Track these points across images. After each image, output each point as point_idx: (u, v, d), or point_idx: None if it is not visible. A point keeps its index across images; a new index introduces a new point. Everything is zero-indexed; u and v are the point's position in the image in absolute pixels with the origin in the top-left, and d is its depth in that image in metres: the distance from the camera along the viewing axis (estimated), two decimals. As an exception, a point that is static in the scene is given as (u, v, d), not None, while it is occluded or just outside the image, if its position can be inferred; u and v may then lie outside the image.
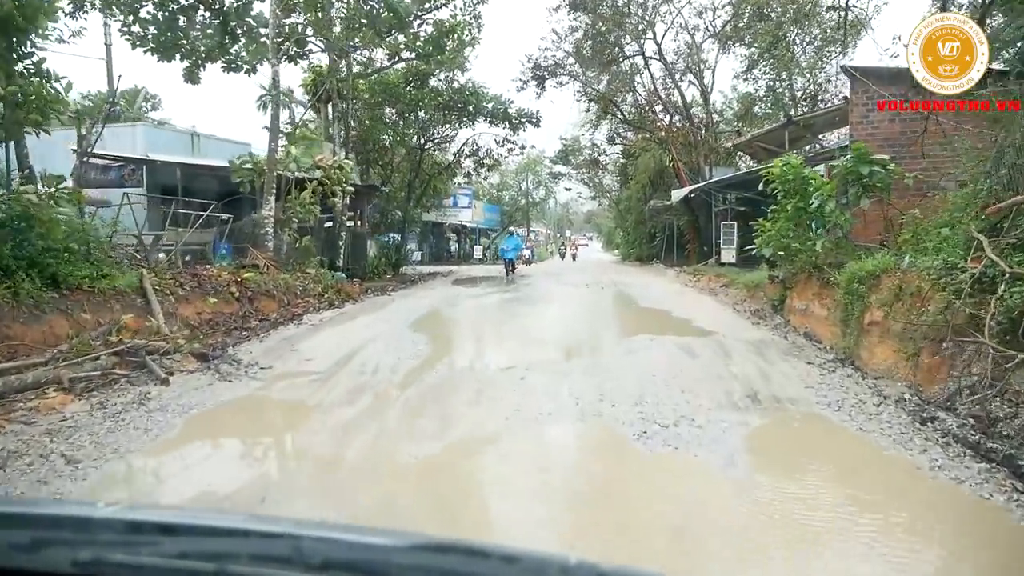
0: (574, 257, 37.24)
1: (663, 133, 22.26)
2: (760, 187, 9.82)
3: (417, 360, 6.68)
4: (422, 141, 19.67)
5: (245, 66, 13.21)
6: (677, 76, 22.33)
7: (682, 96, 22.15)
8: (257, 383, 5.85)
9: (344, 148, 15.03)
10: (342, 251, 14.55)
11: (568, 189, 45.88)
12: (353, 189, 14.18)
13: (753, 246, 9.99)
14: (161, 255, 10.83)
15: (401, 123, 19.13)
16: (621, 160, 33.38)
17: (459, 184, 39.42)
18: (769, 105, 27.41)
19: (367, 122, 18.16)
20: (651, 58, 21.80)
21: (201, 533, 0.70)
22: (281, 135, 13.56)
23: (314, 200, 12.83)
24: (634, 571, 1.01)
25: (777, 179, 9.22)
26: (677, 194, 20.18)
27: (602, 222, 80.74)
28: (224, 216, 13.76)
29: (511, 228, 16.91)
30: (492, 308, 12.13)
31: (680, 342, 7.61)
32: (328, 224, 14.90)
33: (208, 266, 10.77)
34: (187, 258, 12.39)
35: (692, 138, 21.96)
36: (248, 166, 12.75)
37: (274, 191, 12.21)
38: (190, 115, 78.22)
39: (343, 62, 15.91)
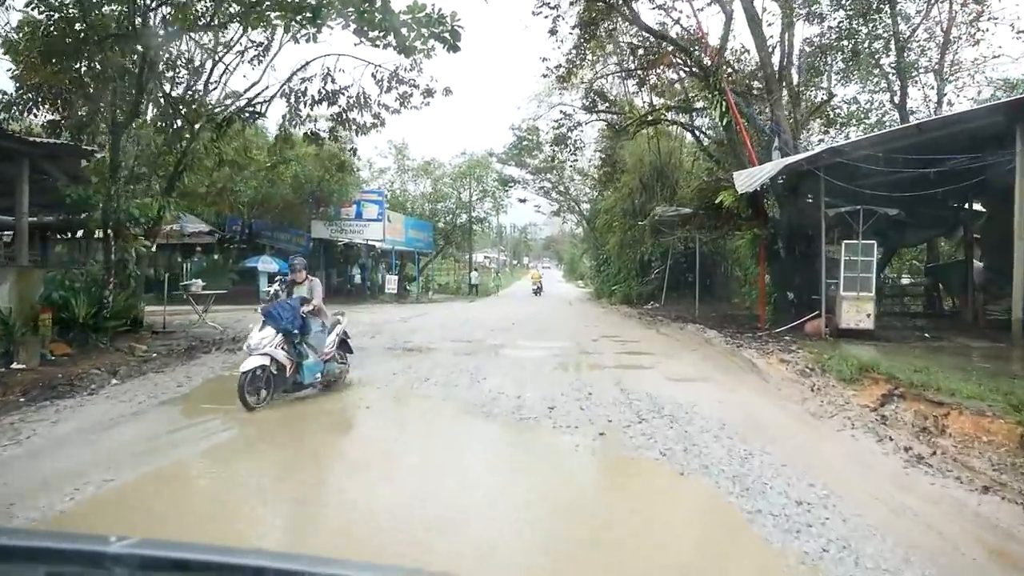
0: None
1: (709, 61, 11.15)
2: None
3: None
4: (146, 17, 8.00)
5: None
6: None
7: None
8: None
9: None
10: None
11: (523, 200, 35.09)
12: None
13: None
14: None
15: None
16: (603, 151, 22.79)
17: (363, 186, 28.05)
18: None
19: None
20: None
21: (214, 569, 0.69)
22: None
23: None
24: None
25: None
26: (745, 177, 9.41)
27: (563, 248, 70.25)
28: None
29: None
30: None
31: None
32: None
33: None
34: None
35: (764, 80, 11.11)
36: None
37: None
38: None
39: None
